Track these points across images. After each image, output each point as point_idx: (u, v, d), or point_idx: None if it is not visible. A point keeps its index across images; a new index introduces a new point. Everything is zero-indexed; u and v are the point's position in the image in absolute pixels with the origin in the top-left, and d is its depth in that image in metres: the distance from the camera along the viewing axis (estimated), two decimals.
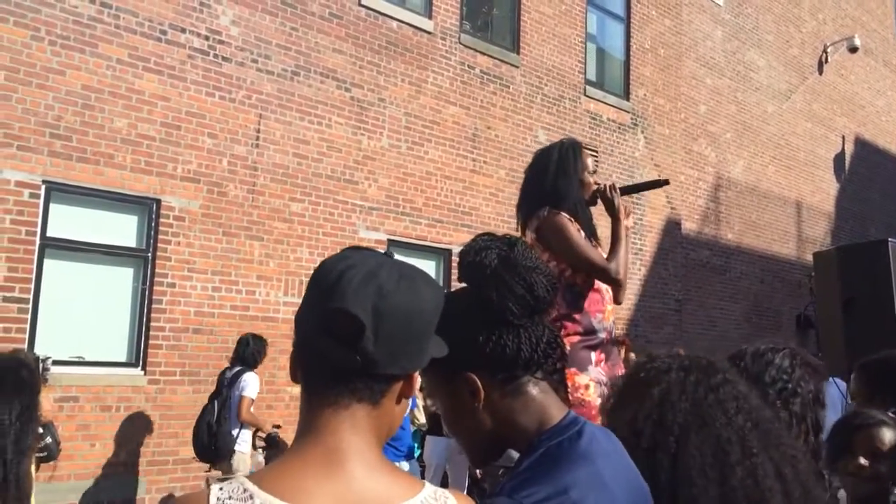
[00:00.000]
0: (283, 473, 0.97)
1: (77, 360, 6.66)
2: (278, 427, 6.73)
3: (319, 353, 1.02)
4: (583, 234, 3.07)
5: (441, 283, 9.18)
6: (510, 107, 10.12)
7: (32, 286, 6.42)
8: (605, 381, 2.96)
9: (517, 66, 10.26)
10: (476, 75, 9.78)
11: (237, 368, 6.51)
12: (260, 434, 6.60)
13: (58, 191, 6.66)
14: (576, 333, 2.97)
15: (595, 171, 3.22)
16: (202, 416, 6.40)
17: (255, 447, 6.58)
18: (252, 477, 0.97)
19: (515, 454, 1.27)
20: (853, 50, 15.75)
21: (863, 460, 1.97)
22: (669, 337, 11.42)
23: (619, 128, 11.55)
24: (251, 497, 0.94)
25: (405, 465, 6.80)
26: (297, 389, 1.09)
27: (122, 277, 7.05)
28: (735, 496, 1.22)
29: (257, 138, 7.79)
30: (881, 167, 17.03)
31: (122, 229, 7.07)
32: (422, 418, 7.43)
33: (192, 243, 7.27)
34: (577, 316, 2.99)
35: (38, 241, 6.49)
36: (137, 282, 7.07)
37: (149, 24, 7.20)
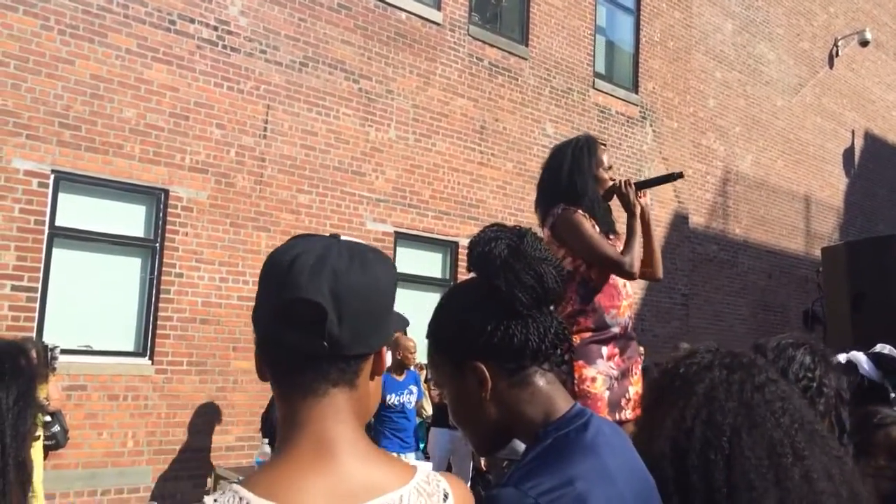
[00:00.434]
0: (276, 474, 0.97)
1: (85, 349, 6.69)
2: None
3: (285, 345, 1.01)
4: (598, 229, 3.08)
5: (447, 276, 9.18)
6: (518, 99, 10.09)
7: (41, 275, 6.45)
8: (615, 376, 2.97)
9: (526, 59, 10.22)
10: (484, 67, 9.75)
11: None
12: None
13: (66, 180, 6.68)
14: (587, 329, 3.00)
15: (611, 167, 3.22)
16: (272, 402, 6.52)
17: None
18: (245, 483, 0.97)
19: (521, 446, 1.27)
20: (864, 44, 15.64)
21: (883, 461, 1.95)
22: (676, 331, 11.40)
23: (628, 121, 11.51)
24: None
25: (412, 457, 6.82)
26: None
27: (130, 267, 7.07)
28: (791, 499, 1.21)
29: (265, 129, 7.80)
30: (890, 162, 16.93)
31: (130, 219, 7.09)
32: (429, 409, 7.45)
33: (199, 234, 7.29)
34: (589, 311, 3.01)
35: (46, 231, 6.52)
36: (145, 272, 7.09)
37: (158, 14, 7.20)
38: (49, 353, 5.62)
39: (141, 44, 7.08)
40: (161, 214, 7.14)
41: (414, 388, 6.73)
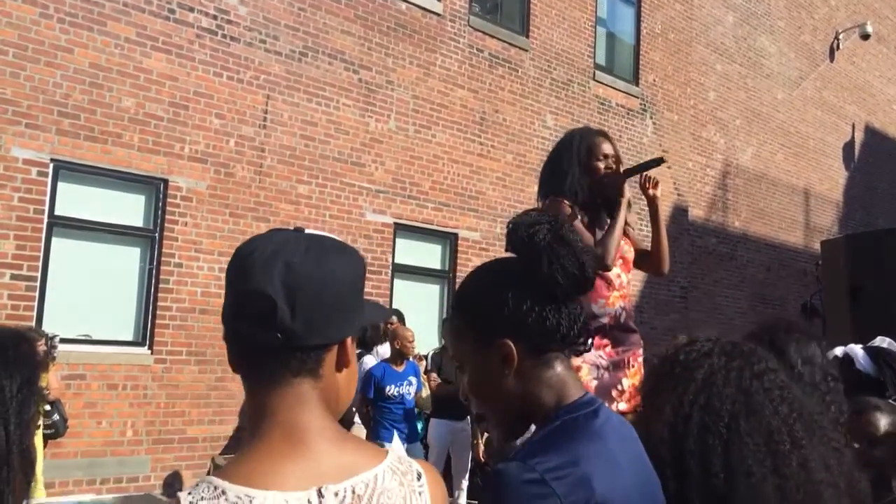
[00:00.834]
0: (250, 462, 0.99)
1: (84, 338, 6.69)
2: None
3: (243, 337, 1.03)
4: (585, 220, 3.06)
5: (446, 267, 9.18)
6: (518, 91, 10.07)
7: (40, 264, 6.45)
8: (604, 365, 2.96)
9: (526, 50, 10.20)
10: (485, 58, 9.73)
11: (357, 351, 6.67)
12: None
13: (66, 169, 6.67)
14: None
15: (608, 156, 3.15)
16: None
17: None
18: (220, 473, 0.98)
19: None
20: (865, 37, 15.60)
21: (860, 446, 1.96)
22: (674, 324, 11.42)
23: (628, 113, 11.49)
24: (223, 493, 0.95)
25: (397, 445, 6.83)
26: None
27: (130, 257, 7.07)
28: (789, 486, 1.21)
29: (265, 119, 7.78)
30: (891, 156, 16.92)
31: (129, 209, 7.08)
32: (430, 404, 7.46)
33: (199, 224, 7.28)
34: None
35: (45, 220, 6.51)
36: (144, 261, 7.09)
37: (157, 2, 7.17)
38: (49, 343, 5.64)
39: (140, 32, 7.05)
40: (160, 204, 7.14)
41: (413, 380, 6.73)
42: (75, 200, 6.73)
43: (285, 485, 0.97)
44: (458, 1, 9.50)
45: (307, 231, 1.09)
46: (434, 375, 7.28)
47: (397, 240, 8.74)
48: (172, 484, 6.88)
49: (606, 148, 3.18)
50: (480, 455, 6.84)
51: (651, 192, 3.24)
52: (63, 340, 6.17)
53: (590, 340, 1.34)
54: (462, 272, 9.22)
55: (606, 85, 11.19)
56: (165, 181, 7.14)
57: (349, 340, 1.09)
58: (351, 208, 8.33)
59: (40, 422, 5.29)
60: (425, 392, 7.18)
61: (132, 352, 6.92)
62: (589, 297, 3.00)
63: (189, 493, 0.96)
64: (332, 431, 1.05)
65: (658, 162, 3.23)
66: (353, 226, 8.25)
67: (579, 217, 3.07)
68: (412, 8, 9.03)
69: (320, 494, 0.98)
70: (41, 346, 5.83)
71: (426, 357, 7.49)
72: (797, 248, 14.31)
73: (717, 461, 1.22)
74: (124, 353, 6.88)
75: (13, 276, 6.28)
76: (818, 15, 15.36)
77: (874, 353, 2.35)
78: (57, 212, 6.60)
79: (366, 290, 1.15)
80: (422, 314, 8.49)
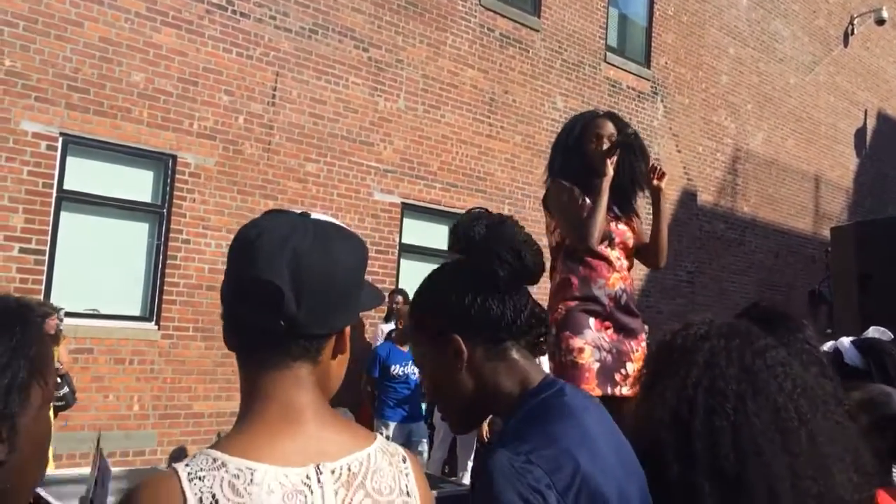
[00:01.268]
0: (248, 437, 1.00)
1: (92, 312, 6.72)
2: None
3: (246, 322, 1.03)
4: (586, 201, 3.04)
5: None
6: (529, 72, 10.00)
7: (49, 238, 6.47)
8: (606, 347, 2.93)
9: (537, 30, 10.12)
10: (495, 38, 9.66)
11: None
12: None
13: (75, 143, 6.66)
14: (573, 298, 2.97)
15: (606, 136, 3.09)
16: None
17: None
18: (218, 446, 0.99)
19: None
20: (880, 22, 15.41)
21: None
22: (681, 308, 11.40)
23: (639, 96, 11.41)
24: (223, 465, 0.96)
25: (419, 427, 6.87)
26: None
27: (138, 232, 7.09)
28: (799, 463, 1.21)
29: (273, 97, 7.75)
30: None
31: (137, 184, 7.08)
32: None
33: (207, 200, 7.29)
34: (574, 281, 2.99)
35: (54, 194, 6.52)
36: (152, 237, 7.10)
37: None
38: (56, 315, 5.70)
39: (150, 7, 7.02)
40: (168, 180, 7.14)
41: None
42: (84, 175, 6.74)
43: (284, 460, 0.98)
44: None
45: (313, 216, 1.08)
46: None
47: (405, 220, 8.73)
48: (178, 458, 6.94)
49: (603, 129, 3.13)
50: (484, 435, 6.87)
51: (656, 182, 3.17)
52: (71, 314, 6.22)
53: (544, 329, 1.35)
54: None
55: (617, 67, 11.10)
56: (174, 157, 7.14)
57: (348, 328, 1.10)
58: (359, 187, 8.31)
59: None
60: None
61: (139, 327, 6.95)
62: (589, 277, 2.99)
63: (186, 465, 0.97)
64: (327, 413, 1.07)
65: (629, 136, 3.14)
66: (360, 205, 8.25)
67: (580, 197, 3.05)
68: None
69: (318, 471, 1.00)
70: (54, 321, 5.91)
71: None
72: (806, 234, 14.24)
73: (726, 442, 1.21)
74: (131, 327, 6.91)
75: (22, 250, 6.30)
76: None
77: (863, 346, 2.33)
78: (66, 186, 6.61)
79: (373, 269, 1.16)
80: None
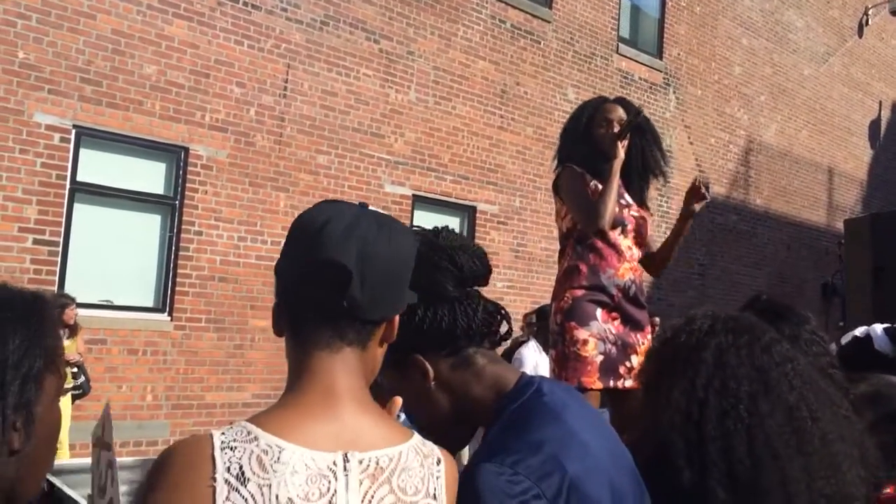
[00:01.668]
0: (284, 415, 1.02)
1: (105, 303, 6.77)
2: None
3: (309, 303, 1.07)
4: (598, 186, 3.01)
5: None
6: (540, 63, 9.96)
7: (62, 229, 6.51)
8: (612, 340, 2.88)
9: (549, 22, 10.07)
10: (507, 30, 9.63)
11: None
12: None
13: (88, 136, 6.70)
14: (580, 287, 2.92)
15: (615, 121, 3.03)
16: None
17: None
18: (254, 420, 1.01)
19: None
20: (895, 13, 15.26)
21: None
22: (691, 301, 11.36)
23: (651, 87, 11.35)
24: (256, 439, 0.98)
25: None
26: None
27: (150, 224, 7.12)
28: (813, 462, 1.19)
29: (285, 89, 7.76)
30: None
31: (150, 176, 7.11)
32: None
33: (218, 192, 7.31)
34: (583, 269, 2.94)
35: (68, 186, 6.56)
36: (165, 229, 7.14)
37: None
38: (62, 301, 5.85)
39: None
40: (181, 172, 7.16)
41: None
42: (97, 167, 6.77)
43: (314, 443, 0.99)
44: None
45: (371, 208, 1.14)
46: None
47: (415, 212, 8.73)
48: None
49: (613, 113, 3.07)
50: None
51: (696, 206, 3.07)
52: (84, 306, 6.28)
53: (504, 327, 1.32)
54: (480, 245, 9.20)
55: (629, 58, 11.05)
56: (186, 149, 7.16)
57: (396, 318, 1.13)
58: (370, 179, 8.32)
59: (69, 384, 5.48)
60: None
61: (152, 318, 7.00)
62: (598, 266, 2.94)
63: (222, 433, 0.99)
64: (367, 402, 1.08)
65: (637, 114, 3.09)
66: (371, 197, 8.25)
67: (591, 182, 3.02)
68: None
69: (346, 459, 1.01)
70: (73, 311, 5.99)
71: None
72: (819, 226, 14.15)
73: (741, 446, 1.18)
74: (144, 318, 6.95)
75: (35, 241, 6.35)
76: None
77: (894, 333, 2.30)
78: (79, 178, 6.65)
79: None
80: None
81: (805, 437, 1.21)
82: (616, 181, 2.95)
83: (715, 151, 12.34)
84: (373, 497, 1.00)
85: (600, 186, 2.97)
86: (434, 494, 1.06)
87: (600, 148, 3.04)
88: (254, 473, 0.95)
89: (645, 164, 3.15)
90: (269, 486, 0.95)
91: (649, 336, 3.02)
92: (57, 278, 6.46)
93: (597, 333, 2.86)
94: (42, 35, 6.42)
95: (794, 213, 13.73)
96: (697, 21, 12.13)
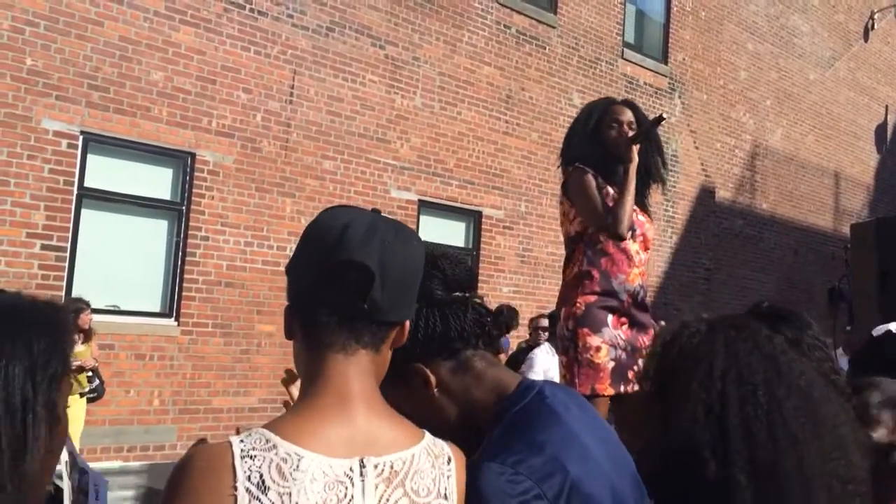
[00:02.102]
0: (301, 422, 1.04)
1: (112, 308, 6.80)
2: None
3: (326, 303, 1.08)
4: (609, 189, 3.00)
5: (470, 245, 9.18)
6: (545, 68, 9.98)
7: (70, 235, 6.54)
8: (622, 345, 2.89)
9: (554, 27, 10.10)
10: (512, 35, 9.65)
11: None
12: None
13: (95, 142, 6.74)
14: (592, 293, 2.91)
15: (626, 123, 3.03)
16: None
17: None
18: (271, 426, 1.03)
19: None
20: None
21: None
22: (698, 306, 11.35)
23: (656, 92, 11.35)
24: (275, 447, 0.99)
25: None
26: None
27: (157, 229, 7.15)
28: (826, 445, 1.21)
29: (291, 94, 7.79)
30: None
31: (157, 182, 7.15)
32: None
33: (225, 198, 7.34)
34: (595, 274, 2.93)
35: (75, 192, 6.60)
36: (171, 234, 7.16)
37: None
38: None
39: (169, 6, 7.07)
40: (187, 178, 7.20)
41: None
42: (104, 173, 6.81)
43: (331, 450, 1.01)
44: None
45: (382, 214, 1.17)
46: None
47: (421, 217, 8.75)
48: None
49: (621, 115, 3.07)
50: None
51: (632, 169, 3.02)
52: (92, 311, 6.30)
53: (489, 319, 1.33)
54: (486, 250, 9.22)
55: (635, 63, 11.06)
56: (193, 155, 7.19)
57: (408, 322, 1.15)
58: (376, 185, 8.34)
59: (85, 388, 5.57)
60: None
61: (159, 323, 7.02)
62: (610, 272, 2.94)
63: (241, 441, 1.00)
64: (381, 405, 1.10)
65: (659, 120, 3.08)
66: (377, 202, 8.27)
67: (602, 185, 3.00)
68: None
69: (362, 464, 1.03)
70: (88, 316, 6.04)
71: None
72: (826, 231, 14.12)
73: (762, 432, 1.19)
74: (151, 324, 6.98)
75: (43, 247, 6.38)
76: None
77: None
78: (86, 184, 6.69)
79: None
80: None
81: (818, 420, 1.22)
82: (633, 186, 2.93)
83: (721, 156, 12.33)
84: (388, 500, 1.03)
85: (610, 189, 2.97)
86: (445, 494, 1.08)
87: (611, 150, 3.03)
88: (274, 482, 0.97)
89: (647, 169, 3.14)
90: (290, 494, 0.97)
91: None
92: (64, 283, 6.49)
93: (608, 340, 2.87)
94: (50, 42, 6.46)
95: (801, 217, 13.71)
96: (703, 26, 12.14)
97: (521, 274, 9.51)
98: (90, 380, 6.10)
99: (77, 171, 6.61)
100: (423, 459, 1.08)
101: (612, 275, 2.94)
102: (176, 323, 7.07)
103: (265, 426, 1.03)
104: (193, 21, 7.21)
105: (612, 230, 2.89)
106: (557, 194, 3.16)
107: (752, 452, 1.18)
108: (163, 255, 7.14)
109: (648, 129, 3.02)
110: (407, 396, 1.28)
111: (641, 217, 3.09)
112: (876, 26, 15.32)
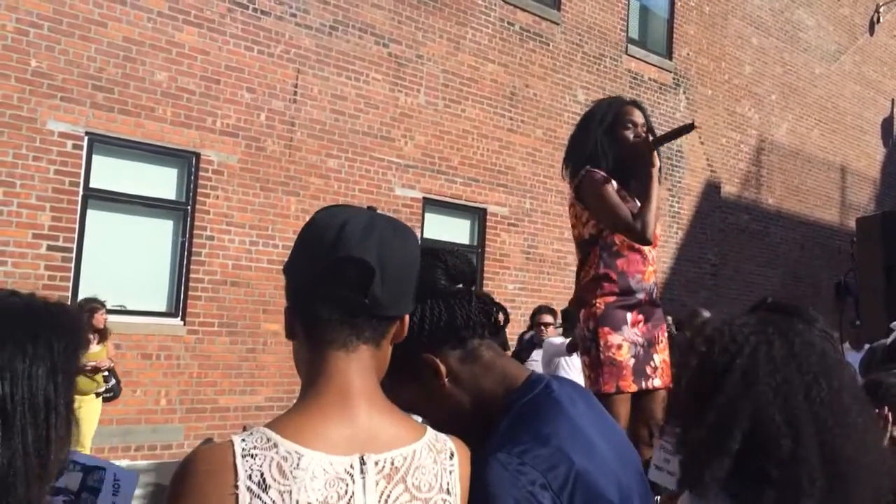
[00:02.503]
0: (302, 420, 1.04)
1: (119, 308, 6.82)
2: None
3: (327, 300, 1.09)
4: (623, 192, 3.00)
5: (475, 242, 9.18)
6: (549, 65, 9.97)
7: (76, 236, 6.57)
8: (640, 343, 2.93)
9: (557, 23, 10.08)
10: (515, 32, 9.64)
11: None
12: None
13: (100, 142, 6.75)
14: (612, 293, 2.95)
15: (638, 125, 3.05)
16: None
17: None
18: (272, 426, 1.03)
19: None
20: None
21: None
22: (704, 301, 11.32)
23: (661, 88, 11.33)
24: (275, 446, 1.00)
25: None
26: None
27: (163, 229, 7.17)
28: (867, 439, 1.27)
29: (295, 93, 7.80)
30: None
31: (162, 182, 7.16)
32: None
33: (230, 197, 7.35)
34: (613, 276, 2.96)
35: (81, 192, 6.62)
36: (177, 234, 7.18)
37: None
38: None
39: (172, 6, 7.09)
40: (192, 177, 7.21)
41: None
42: (109, 173, 6.83)
43: (331, 447, 1.02)
44: None
45: (379, 211, 1.17)
46: None
47: (426, 215, 8.75)
48: None
49: (636, 116, 3.08)
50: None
51: (655, 177, 3.06)
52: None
53: (495, 309, 1.33)
54: (491, 247, 9.22)
55: (639, 59, 11.03)
56: (197, 155, 7.21)
57: (406, 317, 1.16)
58: (380, 183, 8.34)
59: (101, 388, 5.63)
60: None
61: (166, 322, 7.04)
62: (627, 271, 2.97)
63: (243, 440, 1.01)
64: (381, 401, 1.11)
65: (689, 128, 3.10)
66: (382, 201, 8.28)
67: (614, 185, 3.00)
68: None
69: (362, 461, 1.03)
70: (102, 316, 6.09)
71: None
72: (832, 225, 14.08)
73: (829, 418, 1.24)
74: (158, 323, 7.00)
75: (49, 247, 6.41)
76: None
77: None
78: (92, 184, 6.71)
79: None
80: None
81: (865, 409, 1.29)
82: (657, 190, 2.95)
83: (726, 151, 12.30)
84: (388, 496, 1.03)
85: (625, 192, 2.98)
86: (447, 489, 1.09)
87: (626, 152, 3.04)
88: (274, 480, 0.98)
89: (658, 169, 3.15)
90: (290, 492, 0.97)
91: (665, 333, 3.08)
92: (71, 284, 6.51)
93: (628, 338, 2.92)
94: (54, 43, 6.48)
95: (807, 212, 13.67)
96: (707, 21, 12.10)
97: (526, 271, 9.51)
98: (106, 379, 6.14)
99: (82, 171, 6.63)
100: (425, 455, 1.09)
101: (630, 275, 2.98)
102: (182, 322, 7.08)
103: (267, 425, 1.04)
104: (197, 21, 7.22)
105: (641, 235, 2.91)
106: (562, 191, 3.18)
107: (821, 435, 1.23)
108: (168, 255, 7.16)
109: (675, 135, 3.05)
110: (418, 390, 1.29)
111: None
112: (881, 19, 15.25)
